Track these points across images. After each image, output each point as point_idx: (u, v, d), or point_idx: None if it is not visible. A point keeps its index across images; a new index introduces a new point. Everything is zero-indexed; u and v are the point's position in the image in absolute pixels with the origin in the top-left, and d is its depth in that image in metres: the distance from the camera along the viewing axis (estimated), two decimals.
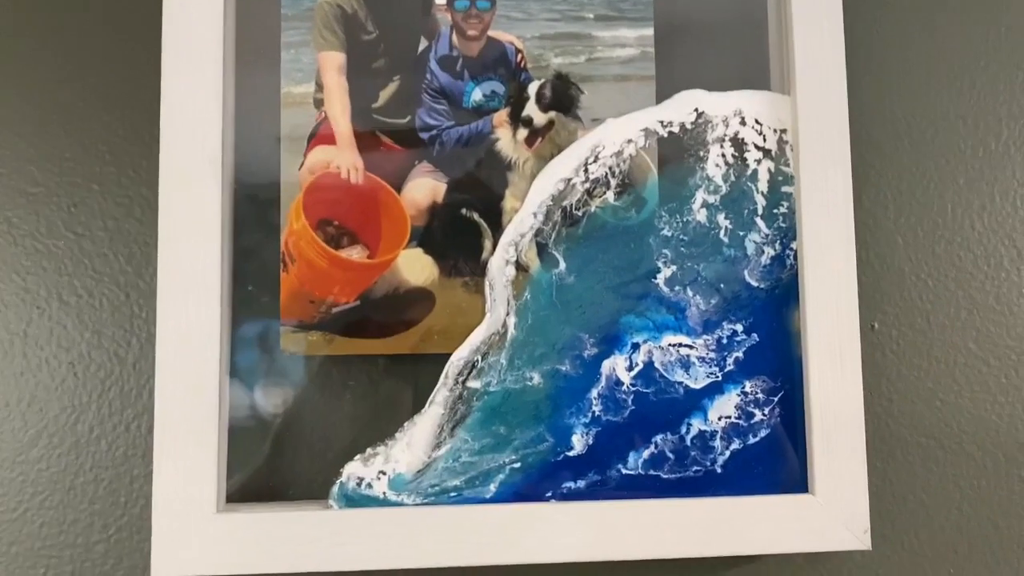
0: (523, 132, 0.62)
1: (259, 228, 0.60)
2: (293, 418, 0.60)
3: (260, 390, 0.59)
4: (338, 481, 0.58)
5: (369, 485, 0.58)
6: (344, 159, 0.60)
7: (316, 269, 0.60)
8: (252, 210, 0.60)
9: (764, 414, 0.61)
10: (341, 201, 0.60)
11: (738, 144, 0.63)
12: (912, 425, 0.68)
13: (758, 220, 0.63)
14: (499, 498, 0.59)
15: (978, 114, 0.71)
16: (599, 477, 0.60)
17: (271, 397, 0.59)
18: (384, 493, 0.58)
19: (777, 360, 0.62)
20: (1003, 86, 0.71)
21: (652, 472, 0.60)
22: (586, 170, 0.62)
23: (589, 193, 0.62)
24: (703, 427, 0.61)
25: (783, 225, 0.63)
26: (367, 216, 0.60)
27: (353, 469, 0.59)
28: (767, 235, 0.63)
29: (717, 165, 0.63)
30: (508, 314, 0.60)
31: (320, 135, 0.61)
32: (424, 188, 0.61)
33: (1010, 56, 0.71)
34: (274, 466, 0.60)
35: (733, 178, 0.63)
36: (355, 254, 0.60)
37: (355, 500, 0.58)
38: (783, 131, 0.63)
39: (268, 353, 0.59)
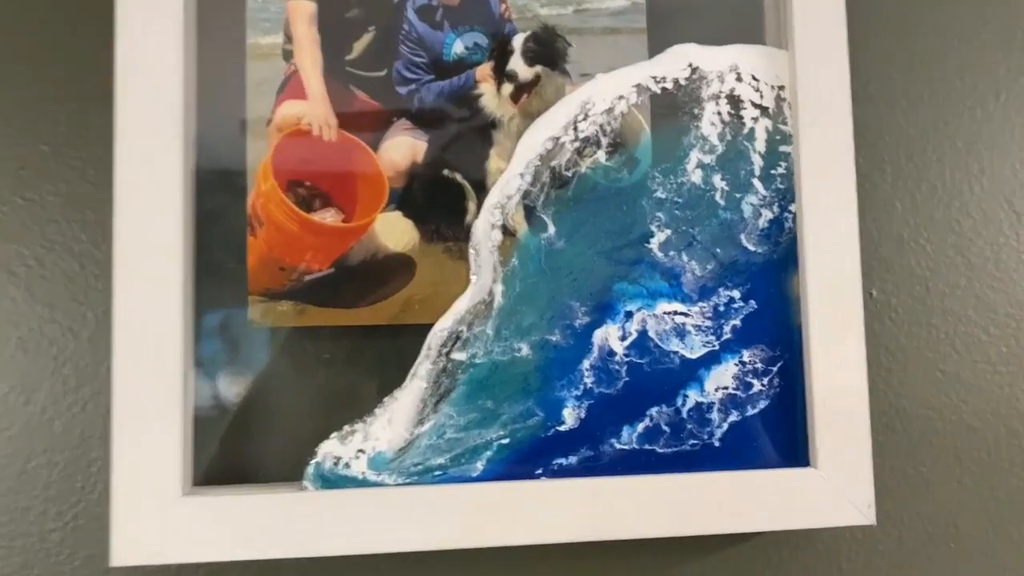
0: (508, 87, 0.58)
1: (224, 189, 0.56)
2: (263, 394, 0.56)
3: (227, 365, 0.55)
4: (313, 461, 0.54)
5: (347, 465, 0.54)
6: (316, 115, 0.56)
7: (286, 234, 0.56)
8: (216, 170, 0.56)
9: (763, 384, 0.58)
10: (313, 160, 0.56)
11: (734, 101, 0.60)
12: (912, 396, 0.66)
13: (755, 181, 0.59)
14: (487, 476, 0.55)
15: (976, 74, 0.68)
16: (592, 453, 0.57)
17: (239, 372, 0.55)
18: (363, 473, 0.54)
19: (776, 328, 0.59)
20: (1000, 45, 0.69)
21: (647, 447, 0.57)
22: (575, 128, 0.58)
23: (579, 153, 0.58)
24: (700, 399, 0.58)
25: (781, 187, 0.60)
26: (341, 177, 0.56)
27: (329, 448, 0.55)
28: (765, 197, 0.59)
29: (712, 123, 0.59)
30: (494, 281, 0.57)
31: (289, 89, 0.56)
32: (403, 147, 0.57)
33: (1007, 14, 0.68)
34: (243, 446, 0.55)
35: (729, 137, 0.60)
36: (329, 217, 0.56)
37: (332, 481, 0.54)
38: (781, 88, 0.60)
39: (235, 325, 0.55)
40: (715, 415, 0.58)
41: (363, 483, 0.54)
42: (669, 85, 0.59)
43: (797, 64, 0.59)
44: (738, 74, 0.60)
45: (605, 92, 0.58)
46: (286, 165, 0.56)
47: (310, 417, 0.56)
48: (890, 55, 0.67)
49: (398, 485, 0.54)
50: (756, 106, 0.60)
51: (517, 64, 0.58)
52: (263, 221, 0.55)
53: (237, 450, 0.55)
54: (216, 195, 0.55)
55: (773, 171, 0.59)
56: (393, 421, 0.55)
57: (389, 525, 0.53)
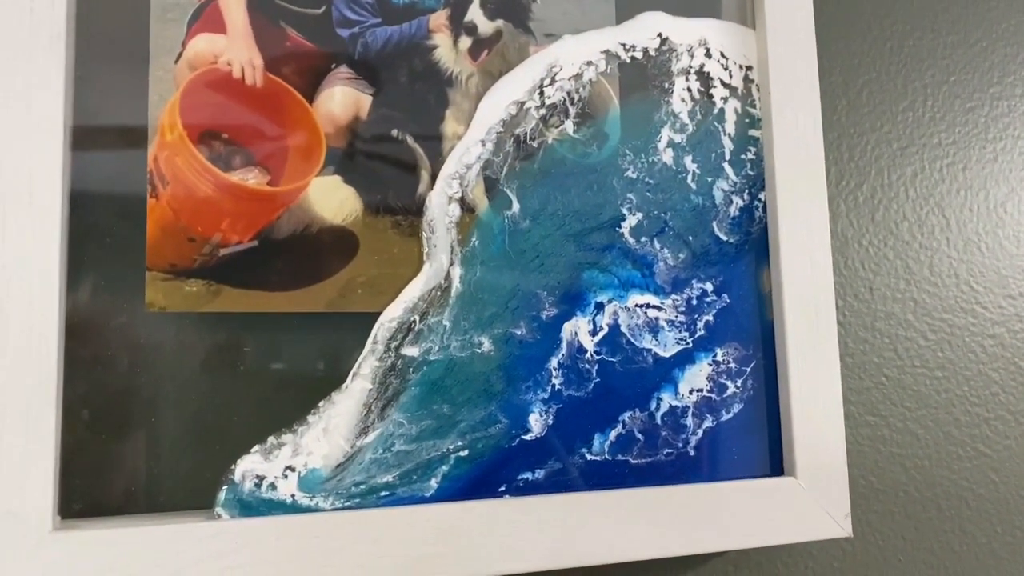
0: (466, 41, 0.50)
1: (117, 138, 0.44)
2: (163, 399, 0.43)
3: (115, 361, 0.43)
4: (229, 482, 0.43)
5: (272, 486, 0.44)
6: (237, 53, 0.46)
7: (198, 196, 0.44)
8: (107, 113, 0.44)
9: (737, 387, 0.53)
10: (233, 108, 0.45)
11: (704, 78, 0.55)
12: (859, 403, 0.63)
13: (726, 166, 0.55)
14: (442, 496, 0.46)
15: (906, 78, 0.68)
16: (560, 465, 0.49)
17: (131, 370, 0.43)
18: (293, 496, 0.44)
19: (749, 325, 0.54)
20: (926, 52, 0.69)
21: (620, 457, 0.50)
22: (541, 93, 0.51)
23: (545, 121, 0.51)
24: (674, 402, 0.52)
25: (751, 173, 0.55)
26: (268, 130, 0.46)
27: (250, 465, 0.43)
28: (735, 183, 0.55)
29: (683, 100, 0.54)
30: (452, 264, 0.48)
31: (205, 20, 0.45)
32: (344, 99, 0.47)
33: (933, 22, 0.69)
34: (135, 465, 0.43)
35: (699, 116, 0.55)
36: (251, 179, 0.45)
37: (253, 507, 0.43)
38: (749, 68, 0.56)
39: (129, 309, 0.43)
40: (690, 420, 0.52)
41: (293, 508, 0.44)
42: (639, 55, 0.53)
43: (768, 46, 0.55)
44: (707, 50, 0.55)
45: (573, 56, 0.52)
46: (198, 112, 0.45)
47: (225, 427, 0.44)
48: (829, 55, 0.65)
49: (336, 510, 0.44)
50: (725, 85, 0.55)
51: (476, 15, 0.50)
52: (168, 180, 0.44)
53: (128, 471, 0.43)
54: (106, 144, 0.43)
55: (743, 156, 0.55)
56: (330, 431, 0.45)
57: (325, 559, 0.43)
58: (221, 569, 0.41)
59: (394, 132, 0.48)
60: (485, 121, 0.49)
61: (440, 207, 0.48)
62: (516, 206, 0.49)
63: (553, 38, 0.52)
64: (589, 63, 0.52)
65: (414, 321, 0.47)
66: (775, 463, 0.53)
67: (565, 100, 0.51)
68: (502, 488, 0.47)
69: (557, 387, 0.49)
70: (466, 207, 0.49)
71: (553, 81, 0.51)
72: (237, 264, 0.45)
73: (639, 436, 0.50)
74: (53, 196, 0.41)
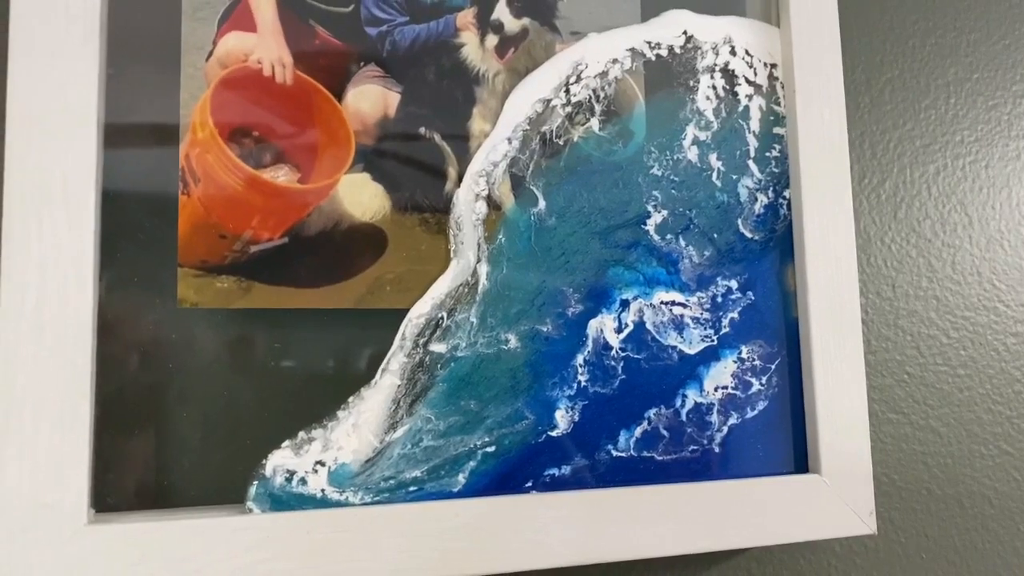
0: (492, 39, 0.50)
1: (149, 132, 0.44)
2: (194, 393, 0.44)
3: (147, 356, 0.43)
4: (259, 477, 0.43)
5: (303, 480, 0.44)
6: (267, 51, 0.46)
7: (229, 193, 0.45)
8: (139, 107, 0.44)
9: (762, 384, 0.53)
10: (262, 106, 0.46)
11: (728, 76, 0.55)
12: (881, 400, 0.63)
13: (750, 163, 0.55)
14: (470, 491, 0.47)
15: (929, 75, 0.68)
16: (586, 461, 0.49)
17: (163, 365, 0.43)
18: (323, 490, 0.44)
19: (774, 322, 0.54)
20: (949, 50, 0.68)
21: (645, 453, 0.50)
22: (567, 91, 0.51)
23: (570, 119, 0.51)
24: (699, 399, 0.52)
25: (776, 170, 0.55)
26: (297, 128, 0.46)
27: (280, 460, 0.44)
28: (760, 180, 0.55)
29: (708, 98, 0.54)
30: (479, 261, 0.48)
31: (235, 18, 0.46)
32: (372, 97, 0.47)
33: (955, 19, 0.68)
34: (167, 459, 0.43)
35: (724, 114, 0.55)
36: (282, 176, 0.46)
37: (283, 501, 0.43)
38: (773, 65, 0.56)
39: (159, 306, 0.43)
40: (715, 418, 0.52)
41: (323, 503, 0.44)
42: (664, 52, 0.53)
43: (793, 43, 0.55)
44: (732, 47, 0.55)
45: (598, 54, 0.52)
46: (229, 110, 0.45)
47: (256, 422, 0.44)
48: (852, 52, 0.65)
49: (365, 504, 0.45)
50: (750, 83, 0.55)
51: (502, 13, 0.50)
52: (199, 177, 0.44)
53: (160, 465, 0.43)
54: (139, 142, 0.44)
55: (767, 153, 0.55)
56: (359, 426, 0.45)
57: (354, 553, 0.43)
58: (252, 562, 0.42)
59: (422, 130, 0.48)
60: (512, 119, 0.50)
61: (467, 204, 0.48)
62: (542, 203, 0.50)
63: (579, 36, 0.52)
64: (615, 61, 0.52)
65: (442, 318, 0.47)
66: (800, 460, 0.53)
67: (591, 98, 0.51)
68: (529, 484, 0.48)
69: (583, 384, 0.49)
70: (493, 205, 0.49)
71: (579, 79, 0.51)
72: (268, 260, 0.45)
73: (664, 433, 0.51)
74: (86, 193, 0.41)
